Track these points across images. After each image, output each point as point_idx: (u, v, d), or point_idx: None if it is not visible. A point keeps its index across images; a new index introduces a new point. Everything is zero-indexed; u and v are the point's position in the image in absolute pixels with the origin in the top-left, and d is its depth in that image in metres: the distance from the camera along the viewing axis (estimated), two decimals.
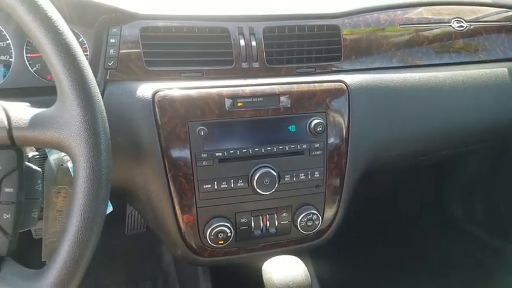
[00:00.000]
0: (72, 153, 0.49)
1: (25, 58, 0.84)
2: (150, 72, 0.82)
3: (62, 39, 0.49)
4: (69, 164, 0.64)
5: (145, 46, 0.81)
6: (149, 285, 1.39)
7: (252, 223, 0.86)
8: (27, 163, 0.51)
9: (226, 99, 0.80)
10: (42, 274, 0.49)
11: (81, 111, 0.49)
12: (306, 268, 0.74)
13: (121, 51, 0.80)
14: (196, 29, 0.84)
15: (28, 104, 0.55)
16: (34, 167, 0.50)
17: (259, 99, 0.82)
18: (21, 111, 0.50)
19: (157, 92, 0.78)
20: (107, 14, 0.80)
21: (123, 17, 0.80)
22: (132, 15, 0.81)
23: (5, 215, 0.47)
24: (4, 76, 0.84)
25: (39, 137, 0.49)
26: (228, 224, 0.84)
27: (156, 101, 0.77)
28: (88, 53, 0.87)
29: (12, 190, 0.47)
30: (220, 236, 0.84)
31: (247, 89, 0.82)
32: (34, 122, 0.49)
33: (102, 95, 0.78)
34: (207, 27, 0.84)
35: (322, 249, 0.96)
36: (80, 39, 0.87)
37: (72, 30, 0.83)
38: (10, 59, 0.84)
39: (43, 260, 0.64)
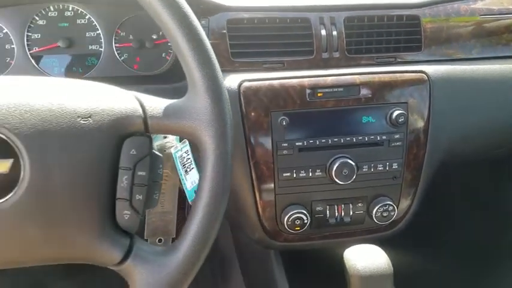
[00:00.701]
0: (202, 141, 0.52)
1: (114, 48, 0.89)
2: (235, 63, 0.84)
3: (196, 34, 0.52)
4: (172, 150, 0.68)
5: (232, 38, 0.83)
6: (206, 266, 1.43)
7: (328, 212, 0.88)
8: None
9: (307, 89, 0.81)
10: (173, 249, 0.53)
11: (212, 103, 0.52)
12: (387, 257, 0.75)
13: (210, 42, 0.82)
14: (277, 19, 0.85)
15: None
16: (157, 152, 0.54)
17: (339, 89, 0.83)
18: (155, 101, 0.53)
19: (243, 82, 0.80)
20: (195, 5, 0.82)
21: (210, 9, 0.83)
22: (219, 6, 0.83)
23: (137, 196, 0.51)
24: (94, 65, 0.89)
25: (172, 126, 0.53)
26: (305, 211, 0.85)
27: (241, 91, 0.80)
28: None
29: (144, 174, 0.51)
30: (297, 222, 0.86)
31: (329, 79, 0.83)
32: (167, 112, 0.52)
33: None
34: (288, 17, 0.85)
35: (393, 239, 0.96)
36: None
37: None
38: (100, 49, 0.89)
39: (145, 238, 0.68)
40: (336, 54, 0.86)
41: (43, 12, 0.85)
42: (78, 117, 0.49)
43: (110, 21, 0.87)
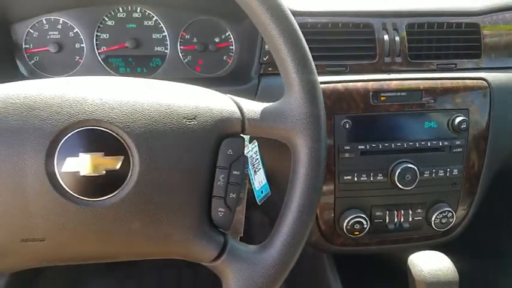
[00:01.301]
0: (297, 144, 0.53)
1: (179, 50, 0.91)
2: None
3: (296, 38, 0.53)
4: (244, 150, 0.69)
5: None
6: None
7: (387, 217, 0.87)
8: None
9: (371, 93, 0.82)
10: (267, 247, 0.53)
11: (310, 108, 0.53)
12: (452, 264, 0.75)
13: None
14: (340, 24, 0.86)
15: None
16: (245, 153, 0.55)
17: (402, 93, 0.83)
18: (251, 104, 0.55)
19: None
20: None
21: None
22: None
23: (231, 194, 0.52)
24: (158, 66, 0.91)
25: (268, 128, 0.54)
26: (364, 216, 0.85)
27: None
28: (233, 47, 0.93)
29: (238, 173, 0.52)
30: (356, 227, 0.86)
31: (392, 83, 0.83)
32: (264, 114, 0.54)
33: (257, 87, 0.83)
34: (351, 22, 0.86)
35: (450, 245, 0.95)
36: (227, 34, 0.92)
37: (220, 25, 0.90)
38: (165, 51, 0.91)
39: None
40: (398, 59, 0.87)
41: (112, 13, 0.88)
42: (184, 118, 0.50)
43: (176, 24, 0.90)
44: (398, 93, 0.83)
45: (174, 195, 0.50)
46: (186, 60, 0.91)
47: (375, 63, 0.87)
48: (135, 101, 0.50)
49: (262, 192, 0.79)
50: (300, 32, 0.54)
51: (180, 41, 0.91)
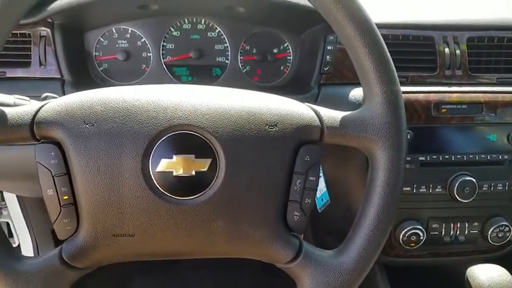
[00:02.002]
0: (376, 154, 0.55)
1: (239, 60, 0.94)
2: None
3: (380, 49, 0.55)
4: None
5: None
6: None
7: (443, 229, 0.87)
8: None
9: (432, 104, 0.83)
10: (343, 252, 0.55)
11: (392, 118, 0.54)
12: None
13: (336, 57, 0.85)
14: (400, 36, 0.87)
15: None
16: None
17: (463, 106, 0.84)
18: (330, 112, 0.57)
19: None
20: (321, 22, 0.86)
21: None
22: None
23: (306, 199, 0.54)
24: (218, 76, 0.94)
25: (347, 136, 0.55)
26: (421, 228, 0.85)
27: None
28: (290, 57, 0.95)
29: (314, 179, 0.54)
30: (413, 238, 0.86)
31: (453, 96, 0.84)
32: (343, 123, 0.55)
33: (317, 96, 0.85)
34: (411, 35, 0.87)
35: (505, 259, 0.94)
36: (285, 45, 0.94)
37: (279, 37, 0.93)
38: (226, 61, 0.94)
39: None
40: (459, 72, 0.87)
41: (178, 24, 0.91)
42: (266, 124, 0.53)
43: (237, 35, 0.93)
44: (459, 106, 0.84)
45: (254, 197, 0.53)
46: (245, 70, 0.94)
47: (435, 75, 0.87)
48: (223, 108, 0.53)
49: (322, 200, 0.81)
50: (384, 44, 0.55)
51: (241, 52, 0.93)
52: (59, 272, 0.51)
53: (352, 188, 0.87)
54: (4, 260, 0.51)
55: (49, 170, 0.50)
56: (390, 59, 0.56)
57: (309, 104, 0.58)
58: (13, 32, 0.78)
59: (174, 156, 0.50)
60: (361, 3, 0.55)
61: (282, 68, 0.96)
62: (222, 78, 0.94)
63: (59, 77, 0.81)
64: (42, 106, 0.51)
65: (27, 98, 0.61)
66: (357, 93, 0.83)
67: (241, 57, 0.94)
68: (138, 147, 0.50)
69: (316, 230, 1.25)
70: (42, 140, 0.51)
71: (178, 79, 0.93)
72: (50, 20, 0.81)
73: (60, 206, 0.51)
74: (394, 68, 0.56)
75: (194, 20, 0.92)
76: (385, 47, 0.55)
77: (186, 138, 0.51)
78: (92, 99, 0.52)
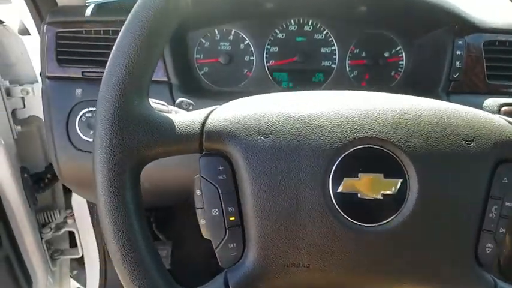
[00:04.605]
0: None
1: (346, 64, 0.86)
2: (490, 86, 0.78)
3: None
4: None
5: (489, 60, 0.78)
6: None
7: None
8: None
9: None
10: None
11: None
12: None
13: (466, 63, 0.77)
14: None
15: None
16: None
17: None
18: None
19: (502, 106, 0.74)
20: (448, 25, 0.79)
21: (466, 29, 0.78)
22: (476, 27, 0.78)
23: (501, 228, 0.46)
24: (321, 82, 0.87)
25: None
26: None
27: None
28: (403, 62, 0.87)
29: (510, 205, 0.46)
30: None
31: None
32: None
33: None
34: None
35: None
36: (397, 48, 0.87)
37: (391, 39, 0.85)
38: (332, 65, 0.86)
39: None
40: None
41: (284, 26, 0.85)
42: (463, 139, 0.45)
43: (346, 37, 0.85)
44: None
45: (445, 226, 0.45)
46: (353, 74, 0.87)
47: None
48: (412, 119, 0.45)
49: None
50: None
51: (349, 56, 0.86)
52: None
53: None
54: None
55: (216, 186, 0.44)
56: None
57: (502, 116, 0.50)
58: None
59: (359, 174, 0.43)
60: None
61: (393, 73, 0.88)
62: (327, 84, 0.87)
63: (166, 80, 0.75)
64: (209, 114, 0.45)
65: (164, 102, 0.54)
66: (491, 103, 0.75)
67: (349, 61, 0.86)
68: (318, 163, 0.43)
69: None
70: (205, 152, 0.45)
71: (279, 85, 0.86)
72: None
73: (226, 228, 0.44)
74: None
75: (301, 21, 0.85)
76: None
77: (373, 154, 0.44)
78: (265, 107, 0.45)
